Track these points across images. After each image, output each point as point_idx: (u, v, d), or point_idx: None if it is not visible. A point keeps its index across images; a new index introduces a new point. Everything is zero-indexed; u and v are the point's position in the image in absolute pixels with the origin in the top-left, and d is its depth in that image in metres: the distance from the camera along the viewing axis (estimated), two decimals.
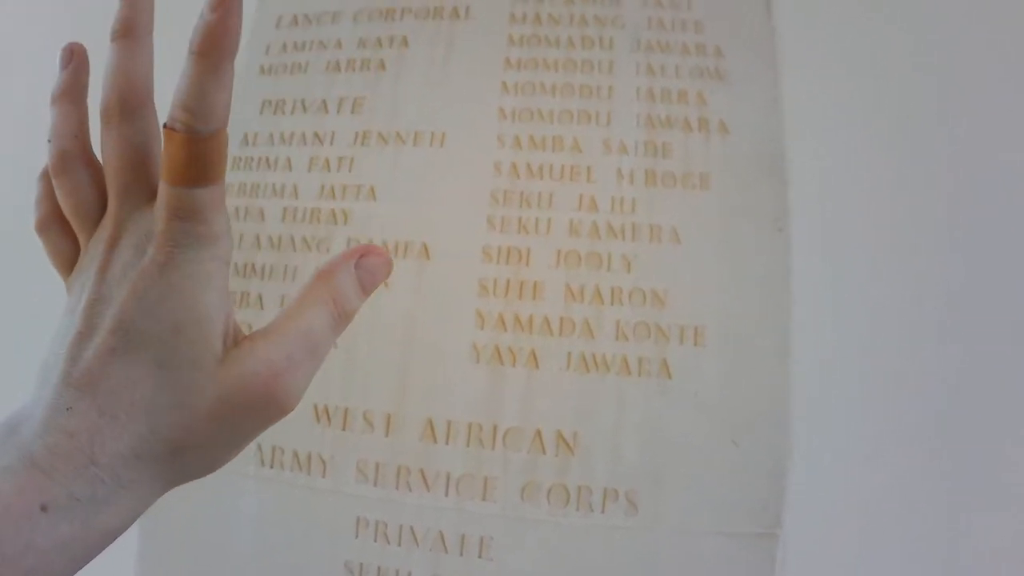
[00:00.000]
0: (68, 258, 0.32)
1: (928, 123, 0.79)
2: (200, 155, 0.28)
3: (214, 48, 0.27)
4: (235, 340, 0.30)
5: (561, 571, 0.72)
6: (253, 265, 0.77)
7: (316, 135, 0.80)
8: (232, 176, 0.80)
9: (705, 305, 0.72)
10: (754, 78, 0.79)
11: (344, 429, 0.73)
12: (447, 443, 0.71)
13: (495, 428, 0.71)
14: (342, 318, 0.32)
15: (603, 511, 0.71)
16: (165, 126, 0.28)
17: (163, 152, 0.28)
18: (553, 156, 0.75)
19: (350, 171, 0.77)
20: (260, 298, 0.76)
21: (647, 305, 0.72)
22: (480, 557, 0.71)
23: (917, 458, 0.75)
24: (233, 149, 0.81)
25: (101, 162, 0.32)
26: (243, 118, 0.82)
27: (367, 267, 0.33)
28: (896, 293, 0.76)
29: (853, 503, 0.75)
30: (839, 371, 0.75)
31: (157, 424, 0.27)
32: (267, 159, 0.80)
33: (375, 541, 0.73)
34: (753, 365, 0.72)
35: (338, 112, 0.80)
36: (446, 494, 0.71)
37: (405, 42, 0.83)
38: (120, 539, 0.79)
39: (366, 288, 0.33)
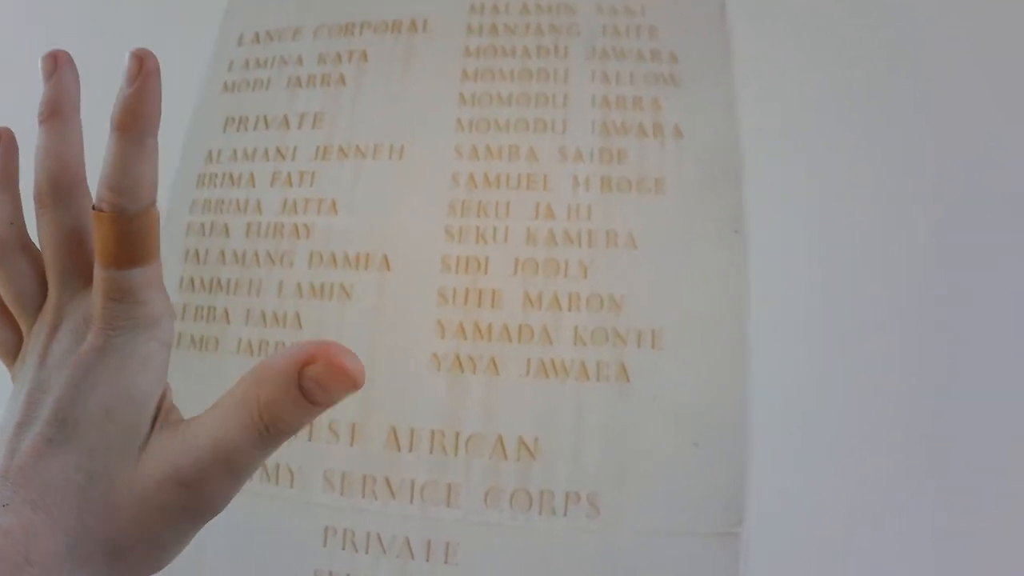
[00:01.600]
0: (12, 348, 0.31)
1: (884, 124, 0.80)
2: (130, 235, 0.27)
3: (135, 122, 0.26)
4: (167, 423, 0.28)
5: (526, 574, 0.72)
6: (219, 280, 0.77)
7: (278, 150, 0.80)
8: (197, 193, 0.80)
9: (662, 308, 0.72)
10: (708, 83, 0.79)
11: (310, 439, 0.73)
12: (411, 451, 0.71)
13: (457, 435, 0.71)
14: (271, 435, 0.26)
15: (565, 514, 0.71)
16: (93, 207, 0.27)
17: (94, 234, 0.27)
18: (510, 165, 0.75)
19: (312, 185, 0.77)
20: (227, 312, 0.76)
21: (604, 310, 0.72)
22: (446, 563, 0.72)
23: (879, 457, 0.75)
24: (197, 166, 0.81)
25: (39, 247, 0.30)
26: (206, 135, 0.82)
27: (317, 379, 0.24)
28: (856, 293, 0.76)
29: (815, 502, 0.75)
30: (799, 371, 0.75)
31: (88, 521, 0.26)
32: (231, 175, 0.80)
33: (343, 549, 0.73)
34: (711, 366, 0.72)
35: (299, 127, 0.80)
36: (411, 501, 0.72)
37: (364, 56, 0.83)
38: None
39: (316, 401, 0.25)
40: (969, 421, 0.74)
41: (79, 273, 0.29)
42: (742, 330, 0.73)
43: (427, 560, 0.72)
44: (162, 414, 0.28)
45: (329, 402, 0.25)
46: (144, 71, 0.26)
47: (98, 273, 0.27)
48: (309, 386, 0.24)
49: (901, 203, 0.76)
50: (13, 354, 0.31)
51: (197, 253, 0.79)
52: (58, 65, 0.30)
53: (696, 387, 0.72)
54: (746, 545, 0.72)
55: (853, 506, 0.74)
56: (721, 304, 0.73)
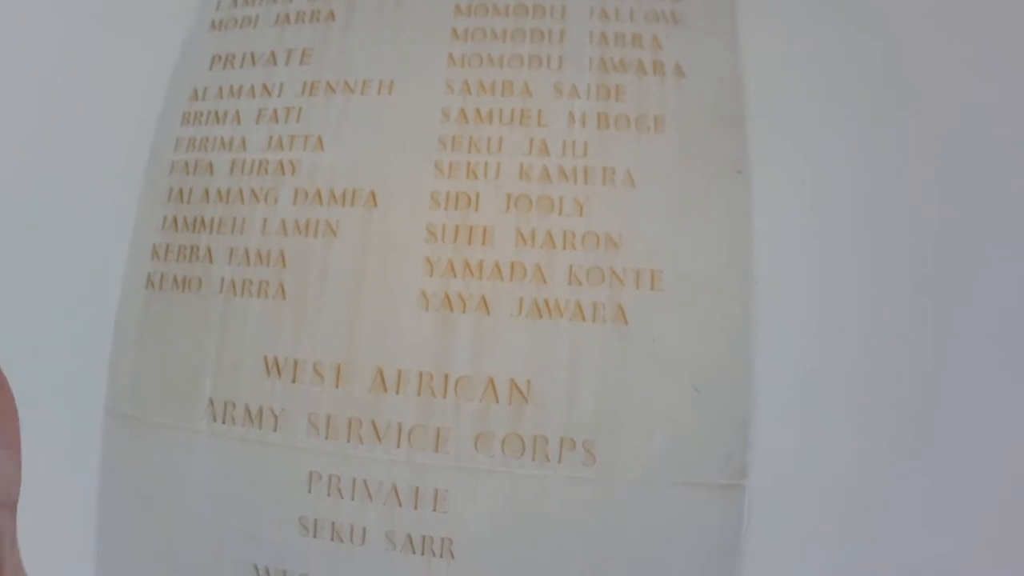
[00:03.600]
0: None
1: (892, 64, 0.76)
2: None
3: None
4: None
5: (518, 524, 0.68)
6: (202, 219, 0.74)
7: (264, 87, 0.76)
8: (181, 131, 0.76)
9: (661, 249, 0.68)
10: (712, 22, 0.75)
11: (294, 381, 0.69)
12: (398, 393, 0.67)
13: (446, 377, 0.67)
14: None
15: (560, 461, 0.67)
16: None
17: None
18: (503, 100, 0.71)
19: (298, 122, 0.73)
20: (209, 251, 0.73)
21: (601, 249, 0.68)
22: (435, 510, 0.68)
23: (890, 405, 0.71)
24: (182, 105, 0.77)
25: None
26: (192, 73, 0.78)
27: None
28: (864, 237, 0.72)
29: (823, 453, 0.71)
30: (805, 317, 0.71)
31: None
32: (216, 113, 0.76)
33: (328, 496, 0.69)
34: (714, 309, 0.68)
35: (287, 63, 0.75)
36: (398, 446, 0.68)
37: None
38: (80, 497, 0.75)
39: None
40: (976, 376, 0.70)
41: None
42: (747, 272, 0.69)
43: (415, 507, 0.68)
44: None
45: None
46: None
47: None
48: None
49: (911, 146, 0.72)
50: None
51: (181, 192, 0.75)
52: None
53: (698, 330, 0.67)
54: (750, 498, 0.68)
55: (859, 462, 0.70)
56: (724, 246, 0.69)
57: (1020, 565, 0.65)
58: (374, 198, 0.70)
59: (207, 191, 0.73)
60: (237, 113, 0.75)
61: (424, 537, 0.67)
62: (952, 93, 0.73)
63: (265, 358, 0.70)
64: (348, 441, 0.68)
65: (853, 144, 0.72)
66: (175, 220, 0.74)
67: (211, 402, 0.71)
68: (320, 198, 0.71)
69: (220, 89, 0.76)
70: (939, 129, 0.72)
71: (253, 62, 0.76)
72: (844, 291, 0.69)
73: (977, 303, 0.67)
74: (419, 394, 0.67)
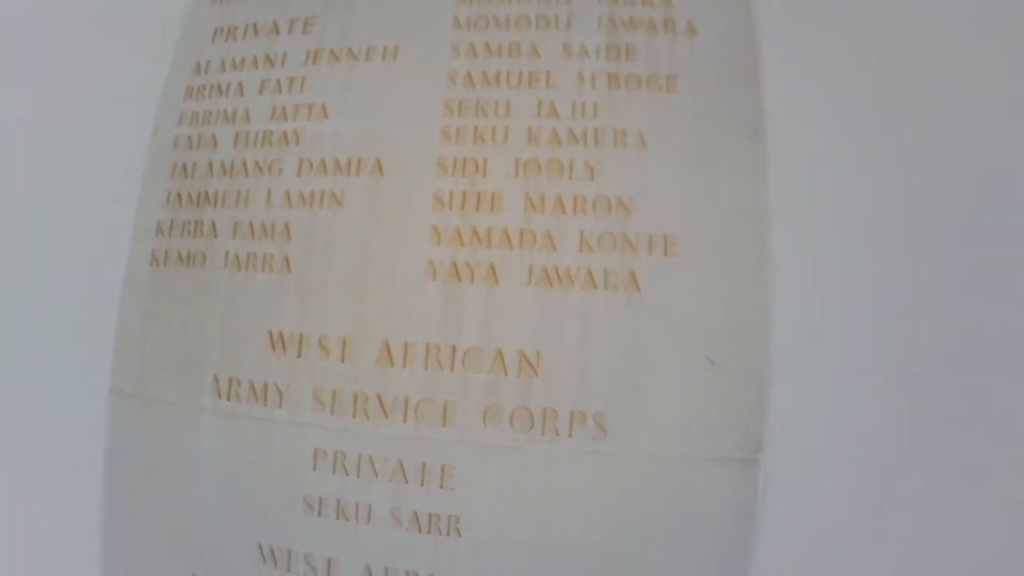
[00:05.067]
0: None
1: (911, 24, 0.72)
2: None
3: None
4: None
5: (527, 501, 0.65)
6: (206, 193, 0.72)
7: (267, 57, 0.74)
8: (185, 105, 0.74)
9: (675, 213, 0.65)
10: None
11: (300, 356, 0.67)
12: (404, 366, 0.65)
13: (454, 349, 0.64)
14: None
15: (570, 435, 0.64)
16: None
17: None
18: (510, 63, 0.68)
19: (301, 91, 0.71)
20: (214, 225, 0.71)
21: (612, 214, 0.65)
22: (441, 487, 0.65)
23: (908, 376, 0.66)
24: (185, 79, 0.75)
25: None
26: (195, 47, 0.76)
27: None
28: (889, 198, 0.68)
29: (842, 428, 0.67)
30: (823, 286, 0.67)
31: None
32: (219, 85, 0.74)
33: (334, 473, 0.67)
34: (729, 277, 0.65)
35: (290, 32, 0.73)
36: (405, 421, 0.65)
37: None
38: (85, 478, 0.73)
39: None
40: (1000, 340, 0.66)
41: None
42: (762, 239, 0.65)
43: (421, 484, 0.66)
44: None
45: None
46: None
47: None
48: None
49: (933, 106, 0.69)
50: None
51: (184, 167, 0.73)
52: None
53: (712, 299, 0.64)
54: (765, 474, 0.65)
55: (884, 432, 0.66)
56: (739, 211, 0.65)
57: None
58: (380, 166, 0.67)
59: (211, 165, 0.72)
60: (240, 85, 0.73)
61: (431, 515, 0.64)
62: (969, 49, 0.69)
63: (270, 333, 0.67)
64: (354, 417, 0.65)
65: (873, 105, 0.68)
66: (179, 196, 0.73)
67: (216, 379, 0.69)
68: (325, 168, 0.68)
69: (223, 62, 0.74)
70: (966, 88, 0.68)
71: (255, 33, 0.75)
72: (864, 257, 0.65)
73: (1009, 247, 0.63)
74: (426, 367, 0.64)
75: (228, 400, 0.68)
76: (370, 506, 0.65)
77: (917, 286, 0.64)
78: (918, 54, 0.69)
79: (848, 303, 0.64)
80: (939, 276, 0.65)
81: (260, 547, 0.68)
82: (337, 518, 0.66)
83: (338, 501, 0.66)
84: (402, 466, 0.64)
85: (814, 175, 0.67)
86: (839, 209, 0.67)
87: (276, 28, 0.74)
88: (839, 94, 0.68)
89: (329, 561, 0.66)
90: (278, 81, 0.72)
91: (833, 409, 0.64)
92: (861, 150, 0.67)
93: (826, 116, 0.68)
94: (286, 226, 0.68)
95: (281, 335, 0.67)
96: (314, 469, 0.66)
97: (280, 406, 0.67)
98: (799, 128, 0.67)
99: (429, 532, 0.64)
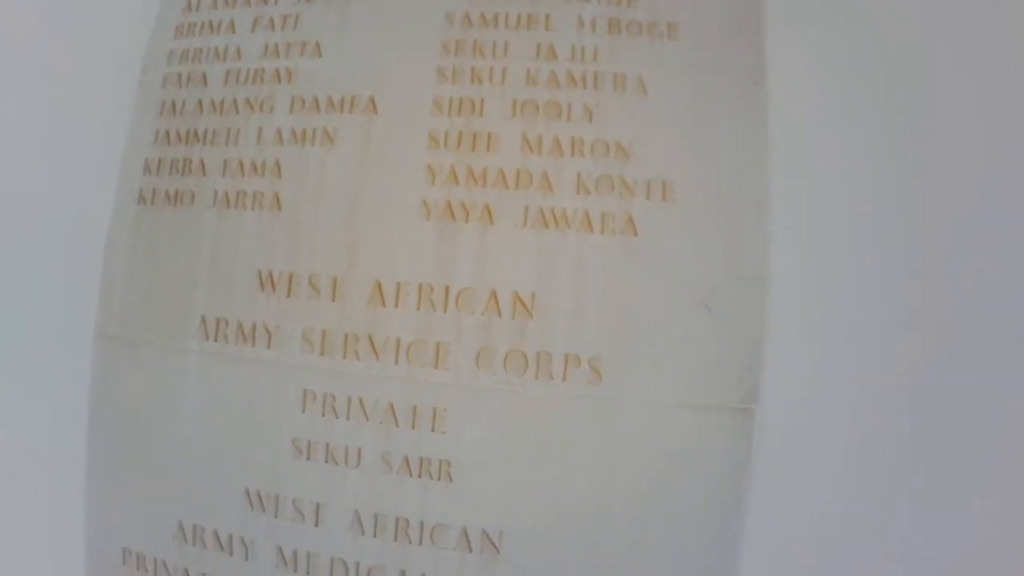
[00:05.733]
0: None
1: None
2: None
3: None
4: None
5: (519, 445, 0.64)
6: (195, 131, 0.70)
7: None
8: (175, 43, 0.72)
9: (674, 160, 0.64)
10: None
11: (289, 296, 0.66)
12: (396, 307, 0.64)
13: (447, 290, 0.63)
14: None
15: (564, 379, 0.63)
16: None
17: None
18: (509, 5, 0.66)
19: (295, 28, 0.69)
20: (203, 163, 0.69)
21: (610, 157, 0.64)
22: (433, 430, 0.64)
23: (904, 326, 0.66)
24: (176, 17, 0.73)
25: None
26: None
27: None
28: (890, 149, 0.67)
29: (840, 376, 0.67)
30: (824, 231, 0.66)
31: None
32: (210, 23, 0.72)
33: (323, 415, 0.66)
34: (727, 224, 0.64)
35: None
36: (396, 362, 0.64)
37: None
38: (70, 419, 0.71)
39: None
40: (1001, 304, 0.66)
41: None
42: (763, 187, 0.64)
43: (412, 427, 0.65)
44: None
45: None
46: None
47: None
48: None
49: (933, 61, 0.68)
50: None
51: (174, 105, 0.71)
52: None
53: (709, 246, 0.63)
54: (760, 424, 0.65)
55: (882, 380, 0.66)
56: (738, 157, 0.64)
57: None
58: (374, 104, 0.66)
59: (200, 103, 0.70)
60: (232, 22, 0.71)
61: (422, 459, 0.63)
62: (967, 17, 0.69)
63: (259, 272, 0.66)
64: (344, 358, 0.64)
65: (874, 57, 0.68)
66: (167, 134, 0.71)
67: (203, 320, 0.67)
68: (318, 105, 0.67)
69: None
70: (965, 40, 0.68)
71: None
72: (865, 207, 0.65)
73: (997, 213, 0.63)
74: (419, 308, 0.63)
75: (215, 341, 0.67)
76: (360, 450, 0.64)
77: (920, 233, 0.64)
78: (919, 20, 0.69)
79: (850, 250, 0.64)
80: (937, 231, 0.65)
81: (247, 492, 0.66)
82: (326, 462, 0.65)
83: (327, 445, 0.65)
84: (393, 409, 0.63)
85: (814, 128, 0.67)
86: (840, 161, 0.66)
87: None
88: (842, 44, 0.68)
89: (318, 506, 0.65)
90: (271, 19, 0.70)
91: (832, 358, 0.64)
92: (859, 102, 0.67)
93: (826, 72, 0.68)
94: (276, 163, 0.67)
95: (271, 274, 0.66)
96: (303, 412, 0.65)
97: (268, 347, 0.66)
98: (801, 77, 0.66)
99: (420, 476, 0.63)
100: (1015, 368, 0.63)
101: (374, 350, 0.63)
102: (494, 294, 0.62)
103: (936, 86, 0.67)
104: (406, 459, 0.63)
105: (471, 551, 0.62)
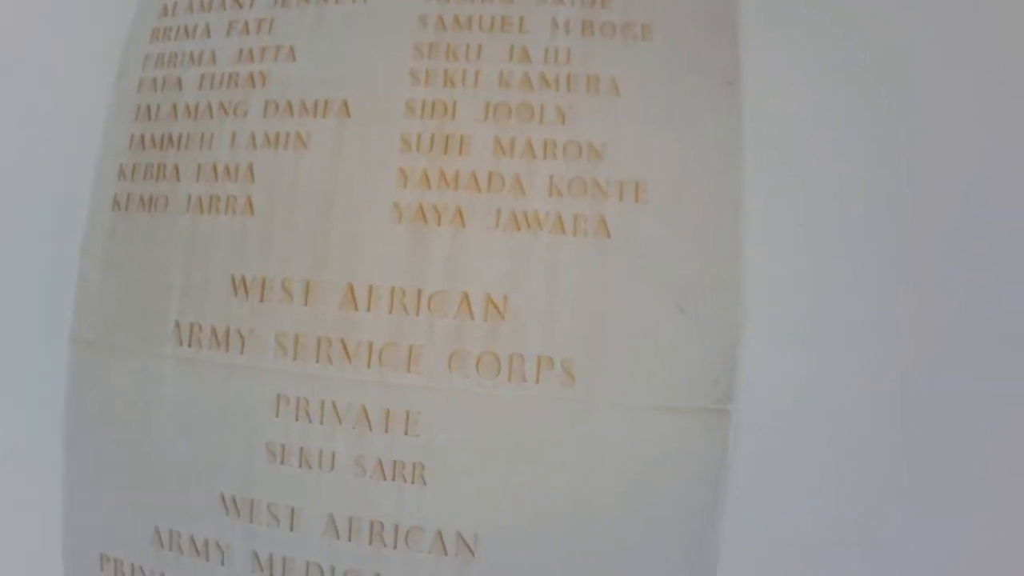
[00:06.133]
0: None
1: None
2: None
3: None
4: None
5: (493, 448, 0.63)
6: (170, 136, 0.70)
7: None
8: (151, 47, 0.72)
9: (647, 160, 0.64)
10: None
11: (262, 300, 0.65)
12: (369, 310, 0.63)
13: (419, 293, 0.63)
14: None
15: (537, 381, 0.63)
16: None
17: None
18: (482, 7, 0.66)
19: (269, 33, 0.69)
20: (176, 168, 0.69)
21: (583, 159, 0.64)
22: (406, 434, 0.64)
23: (880, 328, 0.66)
24: (151, 21, 0.74)
25: None
26: None
27: None
28: (865, 149, 0.67)
29: (814, 377, 0.67)
30: (799, 232, 0.66)
31: None
32: (185, 27, 0.72)
33: (296, 420, 0.65)
34: (701, 225, 0.64)
35: None
36: (368, 366, 0.64)
37: None
38: (46, 425, 0.71)
39: None
40: (981, 302, 0.66)
41: None
42: (736, 188, 0.64)
43: (386, 431, 0.64)
44: None
45: None
46: None
47: None
48: None
49: (909, 60, 0.68)
50: None
51: (149, 109, 0.71)
52: None
53: (684, 245, 0.63)
54: (736, 425, 0.64)
55: (857, 383, 0.66)
56: (713, 158, 0.64)
57: None
58: (347, 108, 0.66)
59: (175, 107, 0.70)
60: (207, 27, 0.71)
61: (395, 462, 0.63)
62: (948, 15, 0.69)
63: (232, 277, 0.66)
64: (317, 361, 0.64)
65: (850, 58, 0.68)
66: (142, 138, 0.71)
67: (177, 325, 0.67)
68: (291, 109, 0.67)
69: (190, 4, 0.72)
70: (947, 35, 0.68)
71: None
72: (844, 207, 0.65)
73: (981, 205, 0.63)
74: (391, 311, 0.63)
75: (189, 346, 0.67)
76: (333, 453, 0.64)
77: (894, 231, 0.64)
78: (900, 19, 0.69)
79: (824, 249, 0.64)
80: (919, 231, 0.64)
81: (222, 496, 0.66)
82: (300, 466, 0.64)
83: (301, 448, 0.64)
84: (366, 412, 0.63)
85: (789, 129, 0.67)
86: (816, 162, 0.66)
87: None
88: (818, 46, 0.67)
89: (293, 510, 0.65)
90: (246, 23, 0.70)
91: (805, 362, 0.64)
92: (836, 102, 0.66)
93: (803, 72, 0.68)
94: (250, 168, 0.67)
95: (244, 279, 0.66)
96: (276, 416, 0.65)
97: (242, 352, 0.65)
98: (776, 78, 0.66)
99: (394, 480, 0.63)
100: (1006, 371, 0.62)
101: (347, 354, 0.63)
102: (466, 297, 0.62)
103: (919, 86, 0.66)
104: (380, 462, 0.63)
105: (446, 553, 0.62)
